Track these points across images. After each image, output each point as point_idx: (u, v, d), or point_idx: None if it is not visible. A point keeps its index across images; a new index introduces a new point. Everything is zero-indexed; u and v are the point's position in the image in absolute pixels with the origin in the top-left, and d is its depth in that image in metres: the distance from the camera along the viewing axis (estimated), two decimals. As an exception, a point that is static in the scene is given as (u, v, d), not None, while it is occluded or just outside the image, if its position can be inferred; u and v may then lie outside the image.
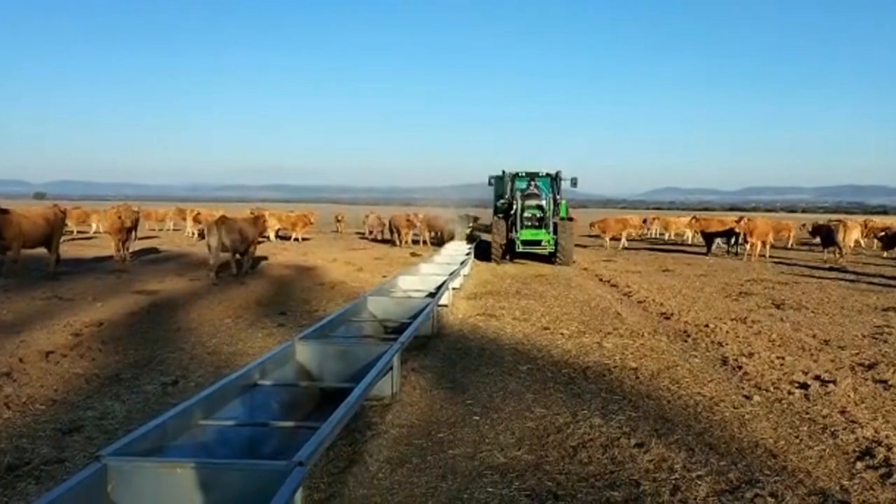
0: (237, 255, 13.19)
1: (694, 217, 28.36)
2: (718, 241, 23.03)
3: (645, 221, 34.82)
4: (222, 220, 12.98)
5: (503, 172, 20.00)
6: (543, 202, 18.20)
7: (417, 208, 27.99)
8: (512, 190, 19.32)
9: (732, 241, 22.27)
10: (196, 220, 25.75)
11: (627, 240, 27.39)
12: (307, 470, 3.04)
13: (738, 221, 22.06)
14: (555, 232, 17.94)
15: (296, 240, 25.09)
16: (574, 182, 19.92)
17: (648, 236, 34.25)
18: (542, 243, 17.97)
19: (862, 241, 21.12)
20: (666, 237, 33.02)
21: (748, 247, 20.79)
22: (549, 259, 18.33)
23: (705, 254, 22.30)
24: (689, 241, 29.39)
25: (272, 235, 24.79)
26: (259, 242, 14.59)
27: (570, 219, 19.59)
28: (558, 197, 19.22)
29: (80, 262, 14.84)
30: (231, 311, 9.31)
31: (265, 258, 16.58)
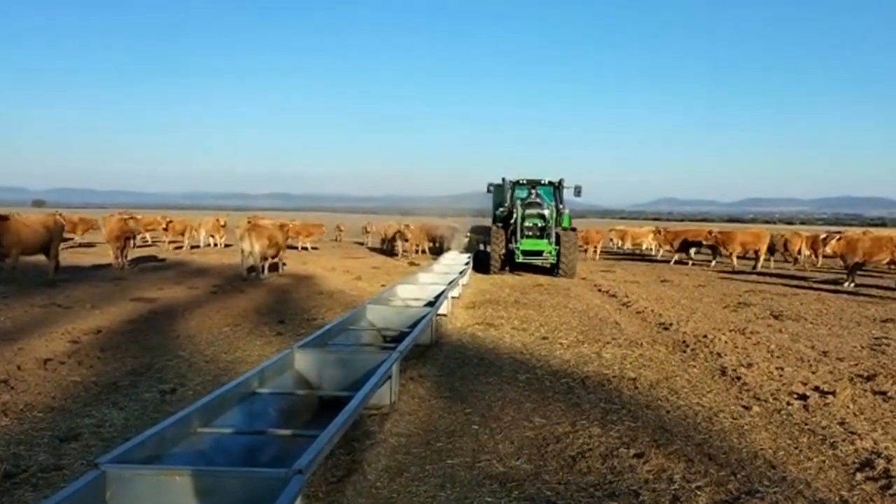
0: (268, 259, 14.66)
1: (656, 228, 28.19)
2: (693, 250, 23.62)
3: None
4: (253, 227, 14.24)
5: (503, 180, 19.22)
6: (545, 211, 17.48)
7: (414, 218, 27.98)
8: (512, 198, 18.60)
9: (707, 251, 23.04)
10: (167, 229, 24.84)
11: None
12: (306, 478, 3.03)
13: (709, 233, 22.76)
14: (557, 243, 17.21)
15: (304, 248, 25.30)
16: (578, 191, 19.10)
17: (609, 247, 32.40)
18: (544, 254, 17.22)
19: (805, 251, 22.11)
20: (624, 247, 31.26)
21: (731, 257, 21.29)
22: (551, 271, 17.62)
23: (688, 263, 22.68)
24: (653, 253, 28.16)
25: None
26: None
27: (573, 229, 18.75)
28: (561, 206, 18.43)
29: (79, 270, 14.82)
30: (229, 319, 9.29)
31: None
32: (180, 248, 24.47)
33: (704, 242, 22.60)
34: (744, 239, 21.72)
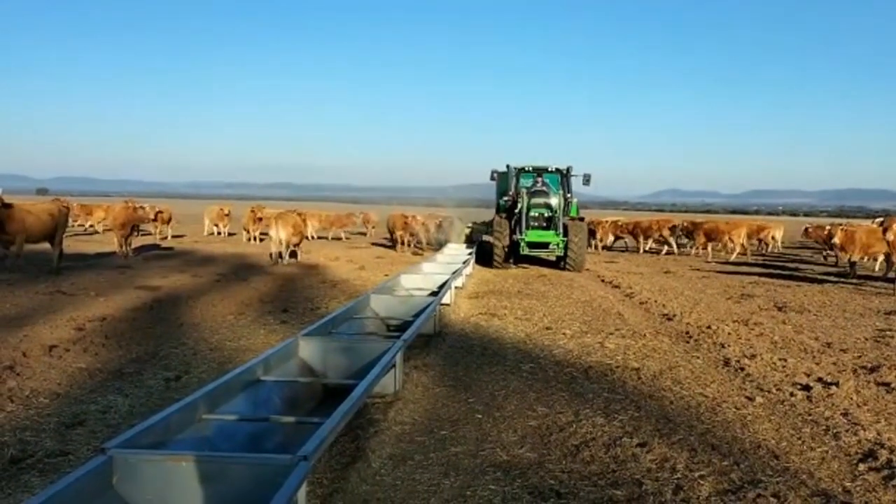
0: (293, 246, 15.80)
1: (605, 220, 28.26)
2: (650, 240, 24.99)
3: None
4: (282, 216, 15.35)
5: (507, 167, 18.28)
6: (552, 200, 16.64)
7: (419, 208, 27.91)
8: (517, 186, 17.71)
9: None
10: (155, 218, 24.51)
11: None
12: (311, 464, 3.05)
13: (680, 223, 24.21)
14: (565, 234, 16.36)
15: (337, 238, 26.66)
16: (587, 179, 18.12)
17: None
18: (550, 246, 16.35)
19: (745, 243, 22.74)
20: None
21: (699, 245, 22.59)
22: (556, 264, 16.87)
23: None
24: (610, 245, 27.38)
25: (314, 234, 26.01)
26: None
27: (582, 219, 17.79)
28: (569, 195, 17.58)
29: (83, 258, 14.87)
30: (234, 307, 9.32)
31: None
32: (180, 236, 24.41)
33: (679, 232, 23.80)
34: (708, 227, 22.56)
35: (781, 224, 28.33)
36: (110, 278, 11.54)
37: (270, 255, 15.29)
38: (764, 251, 24.97)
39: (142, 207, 16.22)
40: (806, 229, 24.57)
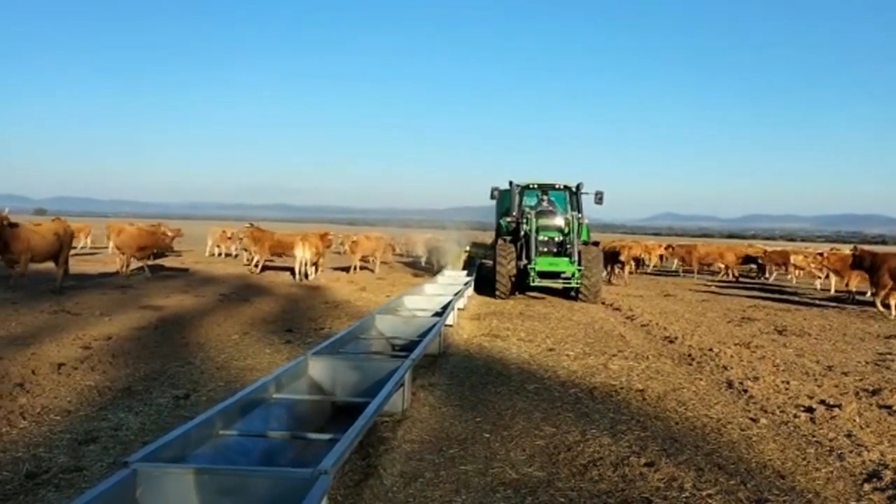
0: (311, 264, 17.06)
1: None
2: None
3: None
4: (305, 237, 16.86)
5: (510, 184, 16.26)
6: (562, 221, 14.88)
7: (416, 231, 28.01)
8: (520, 206, 15.97)
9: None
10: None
11: None
12: (331, 479, 3.10)
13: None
14: (578, 261, 14.26)
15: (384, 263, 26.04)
16: (599, 198, 16.29)
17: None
18: (564, 275, 14.20)
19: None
20: None
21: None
22: (566, 294, 15.14)
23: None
24: None
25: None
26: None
27: (596, 243, 16.15)
28: (580, 216, 15.53)
29: (86, 278, 14.91)
30: (238, 327, 9.37)
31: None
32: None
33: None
34: (608, 250, 23.73)
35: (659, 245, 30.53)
36: (114, 298, 11.60)
37: (292, 272, 16.70)
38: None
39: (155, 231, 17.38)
40: (668, 247, 27.34)
